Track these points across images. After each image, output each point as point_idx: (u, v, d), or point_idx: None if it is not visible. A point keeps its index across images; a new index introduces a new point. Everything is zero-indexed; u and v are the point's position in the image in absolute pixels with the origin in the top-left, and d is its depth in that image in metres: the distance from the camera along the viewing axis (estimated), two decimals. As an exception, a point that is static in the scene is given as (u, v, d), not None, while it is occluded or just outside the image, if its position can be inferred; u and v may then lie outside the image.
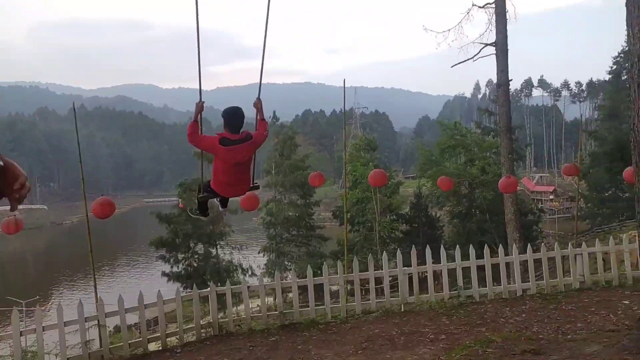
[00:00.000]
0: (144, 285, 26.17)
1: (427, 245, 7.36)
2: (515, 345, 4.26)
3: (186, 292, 8.10)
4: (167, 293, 6.81)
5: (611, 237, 8.06)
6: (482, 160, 27.92)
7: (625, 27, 3.86)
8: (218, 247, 24.78)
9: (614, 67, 44.48)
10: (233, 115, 4.44)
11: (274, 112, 33.13)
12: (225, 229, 24.88)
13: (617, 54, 44.59)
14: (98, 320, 6.01)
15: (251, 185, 4.91)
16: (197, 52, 4.35)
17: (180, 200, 23.55)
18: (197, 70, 4.42)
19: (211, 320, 6.63)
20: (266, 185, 31.87)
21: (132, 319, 8.74)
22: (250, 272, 24.60)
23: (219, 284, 7.06)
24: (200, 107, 4.48)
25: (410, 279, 7.06)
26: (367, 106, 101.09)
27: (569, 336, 4.77)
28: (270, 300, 13.56)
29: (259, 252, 31.19)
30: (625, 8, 3.71)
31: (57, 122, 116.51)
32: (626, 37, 3.81)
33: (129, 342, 6.15)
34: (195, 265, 23.82)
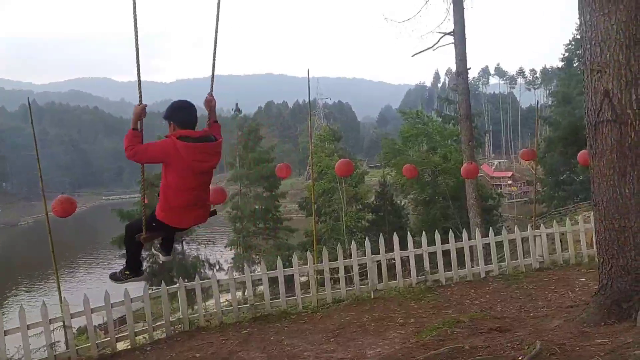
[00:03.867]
0: (108, 285, 25.34)
1: (395, 233, 7.49)
2: (482, 324, 4.42)
3: (153, 290, 7.95)
4: (132, 292, 6.67)
5: (567, 219, 8.45)
6: (444, 148, 28.56)
7: (576, 16, 4.02)
8: (184, 243, 24.43)
9: (566, 54, 46.08)
10: (189, 109, 3.39)
11: (237, 104, 32.70)
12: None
13: (568, 42, 46.23)
14: (63, 322, 5.83)
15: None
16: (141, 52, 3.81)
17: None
18: (136, 70, 3.40)
19: (181, 317, 6.55)
20: (231, 179, 31.55)
21: (96, 320, 8.50)
22: (217, 267, 24.41)
23: (186, 280, 6.95)
24: (140, 111, 3.29)
25: (379, 266, 7.18)
26: (330, 97, 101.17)
27: (531, 314, 4.99)
28: (239, 294, 13.49)
29: (225, 247, 30.91)
30: (577, -3, 3.86)
31: (7, 119, 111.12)
32: (577, 25, 3.95)
33: (97, 342, 6.01)
34: (161, 262, 23.42)
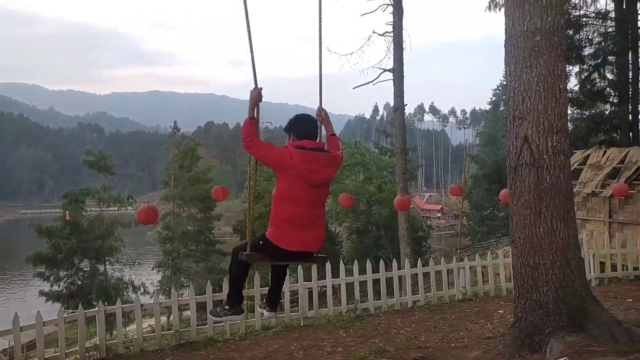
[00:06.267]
0: (17, 306, 23.42)
1: (327, 260, 7.51)
2: (406, 353, 4.52)
3: (69, 313, 7.42)
4: (46, 314, 6.19)
5: (489, 252, 8.93)
6: (379, 179, 29.36)
7: (503, 65, 4.37)
8: (107, 263, 23.10)
9: (493, 98, 49.50)
10: (306, 122, 3.39)
11: (175, 122, 31.92)
12: (116, 244, 23.31)
13: (496, 87, 49.75)
14: (-40, 347, 5.27)
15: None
16: (247, 31, 3.44)
17: (67, 212, 21.66)
18: (249, 53, 3.41)
19: (97, 342, 6.14)
20: (164, 198, 30.46)
21: (1, 344, 7.81)
22: (142, 290, 23.22)
23: (106, 303, 6.56)
24: (256, 95, 3.32)
25: (310, 293, 7.17)
26: (272, 121, 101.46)
27: (452, 344, 5.17)
28: (164, 319, 12.89)
29: (152, 269, 29.55)
30: (504, 48, 4.20)
31: None
32: (504, 73, 4.31)
33: (-2, 370, 5.48)
34: (80, 283, 21.95)
